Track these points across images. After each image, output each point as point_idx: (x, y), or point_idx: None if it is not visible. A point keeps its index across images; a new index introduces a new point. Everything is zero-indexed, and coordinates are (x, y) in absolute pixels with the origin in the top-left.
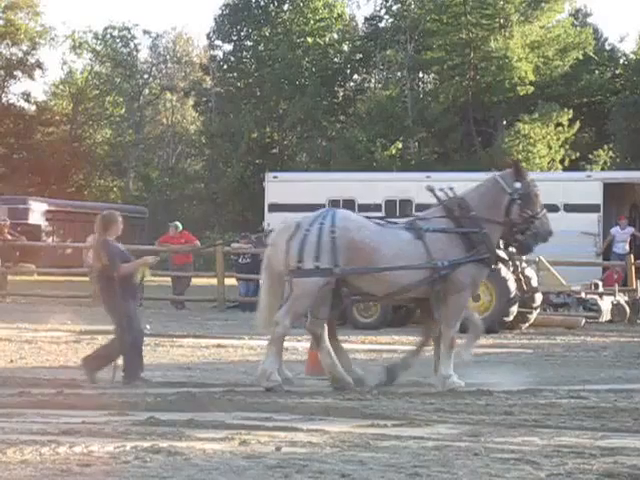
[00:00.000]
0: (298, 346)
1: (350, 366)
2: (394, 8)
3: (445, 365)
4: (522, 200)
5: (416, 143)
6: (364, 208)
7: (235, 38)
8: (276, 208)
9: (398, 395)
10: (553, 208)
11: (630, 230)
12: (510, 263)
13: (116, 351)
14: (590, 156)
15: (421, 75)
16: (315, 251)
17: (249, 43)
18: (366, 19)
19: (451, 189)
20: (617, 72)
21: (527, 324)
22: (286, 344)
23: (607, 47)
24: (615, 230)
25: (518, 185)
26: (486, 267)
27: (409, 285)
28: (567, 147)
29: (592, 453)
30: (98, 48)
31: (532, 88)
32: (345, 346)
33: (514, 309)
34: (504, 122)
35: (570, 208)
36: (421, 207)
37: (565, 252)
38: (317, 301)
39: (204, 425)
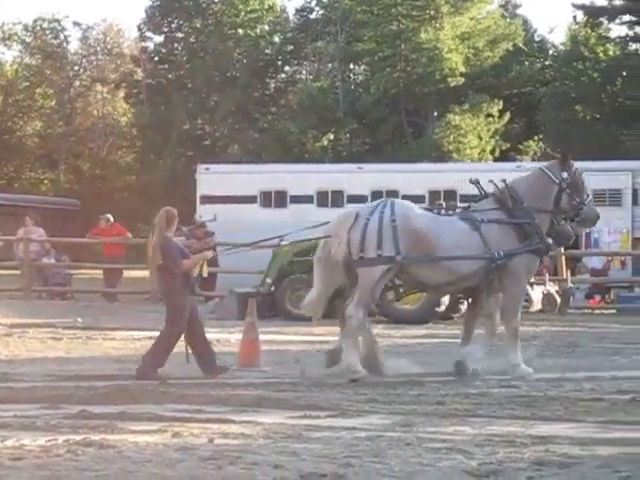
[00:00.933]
0: (230, 338)
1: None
2: (325, 0)
3: (513, 354)
4: (570, 189)
5: (347, 134)
6: (296, 200)
7: (166, 30)
8: (208, 200)
9: (330, 386)
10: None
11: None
12: None
13: (168, 341)
14: (520, 147)
15: (352, 66)
16: (377, 239)
17: (180, 35)
18: (297, 11)
19: (503, 181)
20: (547, 63)
21: (459, 314)
22: (218, 336)
23: (537, 38)
24: None
25: (565, 175)
26: (538, 257)
27: (466, 275)
28: (497, 138)
29: (523, 442)
30: (28, 40)
31: (462, 79)
32: (278, 338)
33: (446, 299)
34: (435, 113)
35: None
36: (352, 198)
37: None
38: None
39: (136, 417)
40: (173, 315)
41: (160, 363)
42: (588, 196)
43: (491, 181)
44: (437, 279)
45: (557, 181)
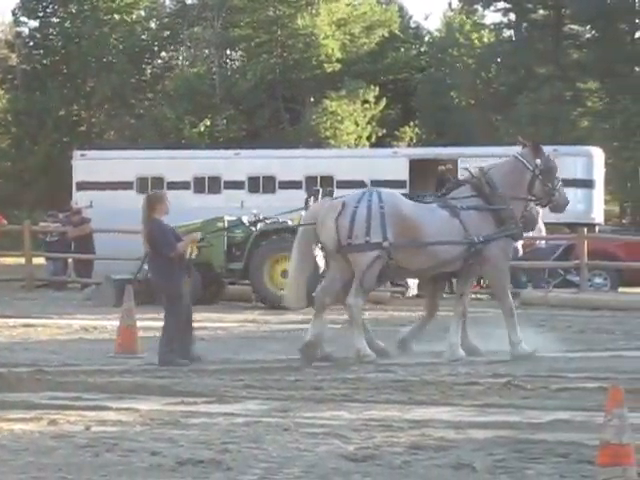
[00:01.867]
0: (107, 325)
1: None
2: None
3: (513, 332)
4: (543, 175)
5: (224, 120)
6: (173, 186)
7: (41, 14)
8: (84, 186)
9: (208, 372)
10: (361, 184)
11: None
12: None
13: (174, 328)
14: (396, 133)
15: (229, 52)
16: (366, 226)
17: (55, 20)
18: None
19: (480, 168)
20: (422, 50)
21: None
22: (95, 323)
23: (412, 25)
24: None
25: (538, 162)
26: (513, 241)
27: (448, 260)
28: (374, 124)
29: (400, 426)
30: None
31: (339, 65)
32: (152, 324)
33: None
34: (312, 99)
35: (377, 184)
36: (229, 184)
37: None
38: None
39: (12, 405)
40: (172, 302)
41: (173, 348)
42: (559, 182)
43: (466, 168)
44: (421, 264)
45: (531, 168)
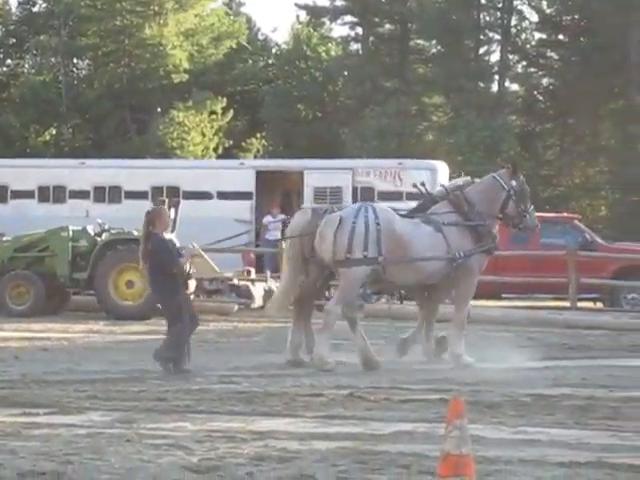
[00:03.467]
0: None
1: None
2: None
3: (457, 344)
4: (517, 197)
5: (70, 129)
6: (17, 194)
7: None
8: None
9: (51, 383)
10: (207, 195)
11: (282, 217)
12: None
13: (181, 335)
14: (243, 144)
15: (75, 61)
16: (364, 242)
17: None
18: (20, 3)
19: (459, 187)
20: (270, 62)
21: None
22: None
23: (260, 37)
24: (267, 219)
25: (514, 183)
26: (488, 255)
27: (433, 273)
28: (221, 135)
29: (243, 437)
30: None
31: (186, 76)
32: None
33: None
34: (159, 109)
35: (223, 196)
36: (74, 193)
37: (218, 239)
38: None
39: None
40: (174, 315)
41: (180, 358)
42: (531, 205)
43: (442, 185)
44: (409, 279)
45: (506, 188)
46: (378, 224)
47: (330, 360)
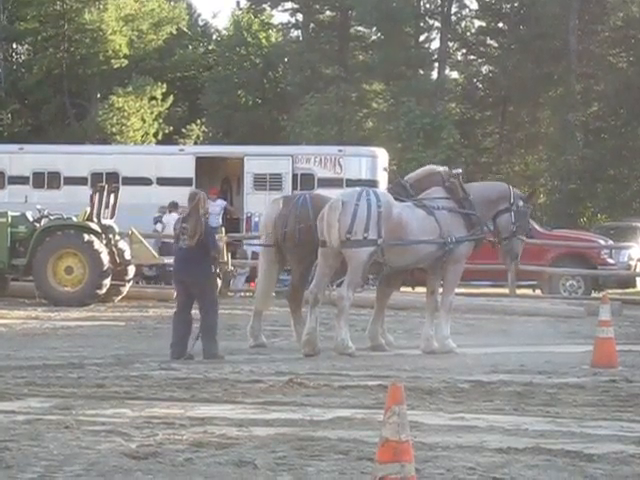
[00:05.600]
0: None
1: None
2: None
3: (444, 327)
4: (515, 215)
5: (9, 115)
6: None
7: None
8: None
9: None
10: (146, 181)
11: (222, 203)
12: (104, 236)
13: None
14: (183, 130)
15: (15, 46)
16: (365, 223)
17: None
18: None
19: (455, 175)
20: (210, 48)
21: (120, 297)
22: None
23: (200, 23)
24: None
25: (521, 203)
26: (476, 245)
27: (426, 256)
28: (161, 121)
29: (182, 424)
30: None
31: (126, 61)
32: None
33: (107, 282)
34: (98, 95)
35: (163, 182)
36: (13, 179)
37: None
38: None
39: None
40: (211, 297)
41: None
42: (524, 235)
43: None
44: (402, 260)
45: (511, 201)
46: (379, 207)
47: (352, 345)
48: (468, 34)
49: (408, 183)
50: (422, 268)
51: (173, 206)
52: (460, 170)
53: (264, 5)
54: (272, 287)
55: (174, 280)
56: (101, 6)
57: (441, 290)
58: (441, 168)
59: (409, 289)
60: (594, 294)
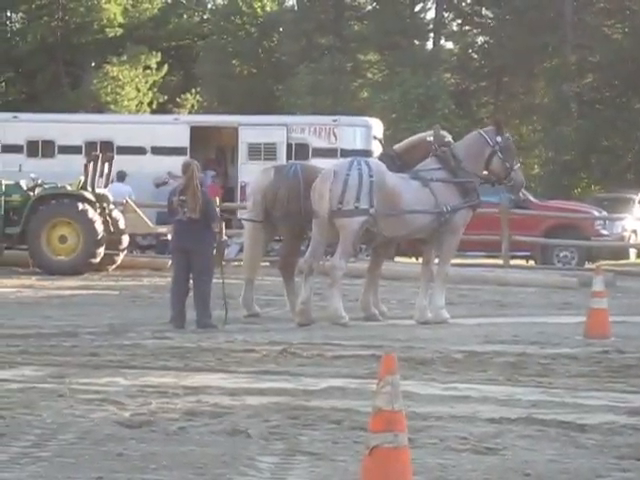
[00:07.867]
0: None
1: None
2: None
3: (439, 297)
4: (503, 153)
5: (3, 83)
6: None
7: None
8: None
9: None
10: (141, 151)
11: (211, 173)
12: (97, 205)
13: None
14: (178, 99)
15: (9, 14)
16: (356, 193)
17: None
18: None
19: (447, 144)
20: (205, 17)
21: (114, 266)
22: None
23: None
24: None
25: (499, 139)
26: (472, 211)
27: (421, 227)
28: (155, 90)
29: (176, 392)
30: None
31: (121, 30)
32: None
33: (101, 251)
34: (93, 64)
35: (158, 151)
36: (7, 147)
37: (152, 195)
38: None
39: None
40: (209, 266)
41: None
42: (518, 163)
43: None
44: (396, 231)
45: (491, 144)
46: (371, 176)
47: (345, 315)
48: (463, 4)
49: (396, 153)
50: (421, 239)
51: (121, 177)
52: (445, 133)
53: None
54: (259, 254)
55: (173, 250)
56: None
57: (437, 260)
58: (431, 137)
59: (413, 259)
60: (587, 265)
